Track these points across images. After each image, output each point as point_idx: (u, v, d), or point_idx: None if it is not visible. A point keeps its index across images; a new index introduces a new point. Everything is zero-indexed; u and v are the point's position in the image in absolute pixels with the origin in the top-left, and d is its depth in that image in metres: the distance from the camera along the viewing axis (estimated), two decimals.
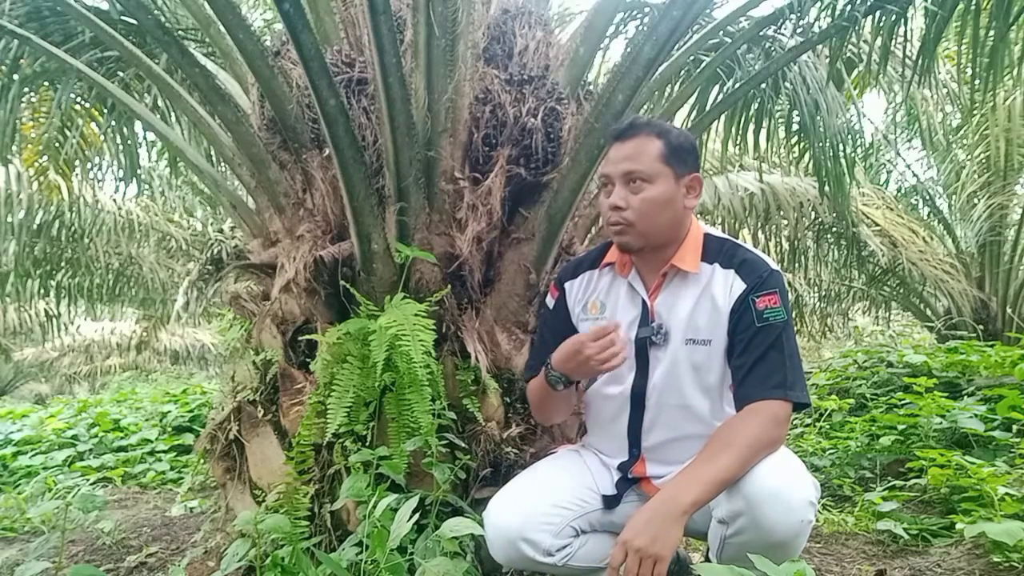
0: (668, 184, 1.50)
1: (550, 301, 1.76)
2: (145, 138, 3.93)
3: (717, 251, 1.55)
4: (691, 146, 1.55)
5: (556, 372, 1.56)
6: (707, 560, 1.51)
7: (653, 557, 1.27)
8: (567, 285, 1.72)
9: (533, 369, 1.73)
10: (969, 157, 7.19)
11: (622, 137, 1.53)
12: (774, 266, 1.52)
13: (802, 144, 3.60)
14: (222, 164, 3.24)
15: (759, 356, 1.44)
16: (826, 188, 3.56)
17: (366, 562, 1.55)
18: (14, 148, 3.38)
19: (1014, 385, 3.55)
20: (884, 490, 2.74)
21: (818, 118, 3.27)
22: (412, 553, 1.64)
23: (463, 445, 1.92)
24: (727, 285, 1.51)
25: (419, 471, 1.91)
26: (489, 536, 1.53)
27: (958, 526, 2.20)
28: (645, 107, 3.48)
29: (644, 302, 1.58)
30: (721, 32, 3.05)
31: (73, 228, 6.80)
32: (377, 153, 2.08)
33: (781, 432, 1.41)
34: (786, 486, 1.34)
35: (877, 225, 6.67)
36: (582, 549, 1.57)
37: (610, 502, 1.61)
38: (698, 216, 1.65)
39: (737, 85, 3.11)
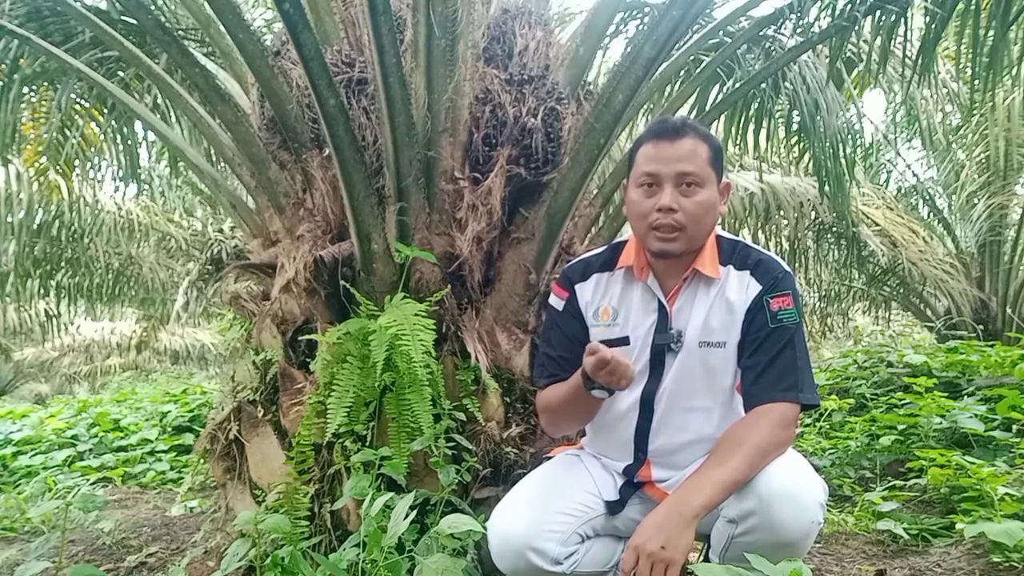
0: (714, 189, 1.48)
1: (558, 303, 1.68)
2: (145, 138, 3.93)
3: (731, 253, 1.54)
4: (723, 152, 1.54)
5: (596, 384, 1.45)
6: (707, 559, 1.50)
7: (665, 561, 1.26)
8: (578, 287, 1.65)
9: (549, 376, 1.64)
10: (969, 157, 7.19)
11: (671, 136, 1.46)
12: (787, 267, 1.51)
13: (802, 144, 3.61)
14: (222, 164, 3.24)
15: (771, 358, 1.43)
16: (826, 188, 3.56)
17: (365, 562, 1.55)
18: (14, 148, 3.39)
19: (1014, 385, 3.55)
20: (884, 490, 2.74)
21: (818, 118, 3.27)
22: (412, 552, 1.64)
23: (470, 447, 1.92)
24: (742, 286, 1.49)
25: (419, 471, 1.91)
26: (494, 547, 1.50)
27: (958, 526, 2.19)
28: (645, 107, 3.49)
29: (662, 307, 1.54)
30: (721, 32, 3.06)
31: (73, 228, 6.79)
32: (377, 153, 2.08)
33: (790, 434, 1.41)
34: (799, 487, 1.34)
35: (877, 225, 6.67)
36: (587, 555, 1.55)
37: (613, 507, 1.59)
38: None
39: (737, 85, 3.11)
